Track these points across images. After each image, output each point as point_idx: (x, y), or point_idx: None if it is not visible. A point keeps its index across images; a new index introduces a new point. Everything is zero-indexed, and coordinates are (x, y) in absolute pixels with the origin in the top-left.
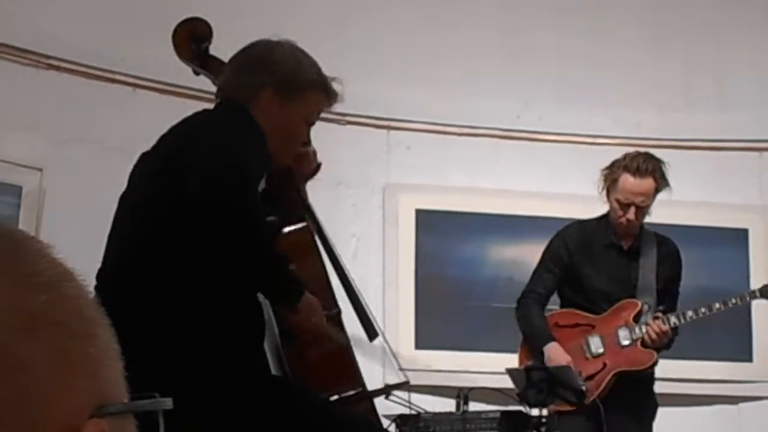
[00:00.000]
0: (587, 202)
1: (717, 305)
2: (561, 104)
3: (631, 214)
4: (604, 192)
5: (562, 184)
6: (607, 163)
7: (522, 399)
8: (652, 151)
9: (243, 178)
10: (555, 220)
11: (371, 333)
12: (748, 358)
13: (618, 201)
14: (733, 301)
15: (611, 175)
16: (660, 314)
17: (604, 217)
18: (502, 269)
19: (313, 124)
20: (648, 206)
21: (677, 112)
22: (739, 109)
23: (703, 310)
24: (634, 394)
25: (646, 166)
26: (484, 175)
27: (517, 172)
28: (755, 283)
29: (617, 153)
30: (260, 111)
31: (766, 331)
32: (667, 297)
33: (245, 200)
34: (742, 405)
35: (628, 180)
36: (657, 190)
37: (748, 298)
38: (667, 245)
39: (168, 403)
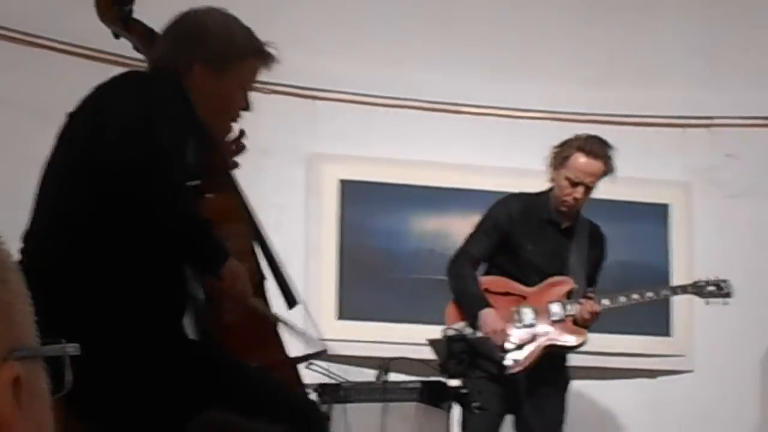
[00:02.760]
0: (511, 176)
1: (649, 294)
2: (487, 77)
3: (579, 192)
4: (551, 168)
5: (486, 157)
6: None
7: (443, 370)
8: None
9: (162, 143)
10: (479, 193)
11: (291, 301)
12: (666, 332)
13: (568, 179)
14: (664, 292)
15: (563, 153)
16: (593, 295)
17: (545, 194)
18: (425, 241)
19: (250, 89)
20: (593, 188)
21: (602, 87)
22: (663, 85)
23: (635, 296)
24: (549, 366)
25: (600, 149)
26: (409, 147)
27: (442, 144)
28: (675, 259)
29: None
30: (194, 84)
31: (684, 305)
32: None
33: (163, 164)
34: (660, 379)
35: (581, 160)
36: (605, 174)
37: (671, 293)
38: (598, 232)
39: (75, 348)
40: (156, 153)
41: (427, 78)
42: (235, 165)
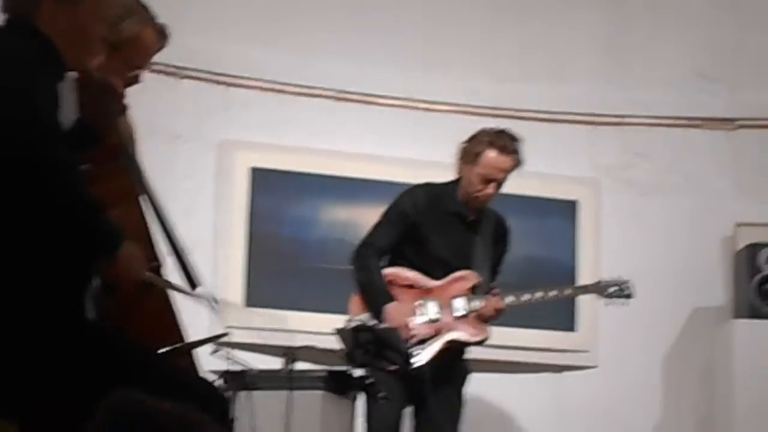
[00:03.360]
0: (421, 167)
1: (553, 293)
2: (399, 69)
3: (491, 188)
4: (461, 163)
5: (397, 148)
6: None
7: (349, 359)
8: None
9: (35, 116)
10: (388, 184)
11: (193, 283)
12: (571, 327)
13: (480, 175)
14: (567, 292)
15: (473, 149)
16: (497, 291)
17: (452, 184)
18: (335, 230)
19: (108, 20)
20: (504, 182)
21: (513, 82)
22: (573, 82)
23: (539, 294)
24: (449, 359)
25: (511, 143)
26: (320, 136)
27: (353, 134)
28: (582, 255)
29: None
30: (46, 22)
31: (589, 301)
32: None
33: (36, 135)
34: (564, 373)
35: (493, 156)
36: (515, 168)
37: (575, 292)
38: (503, 225)
39: None
40: (30, 115)
41: (340, 68)
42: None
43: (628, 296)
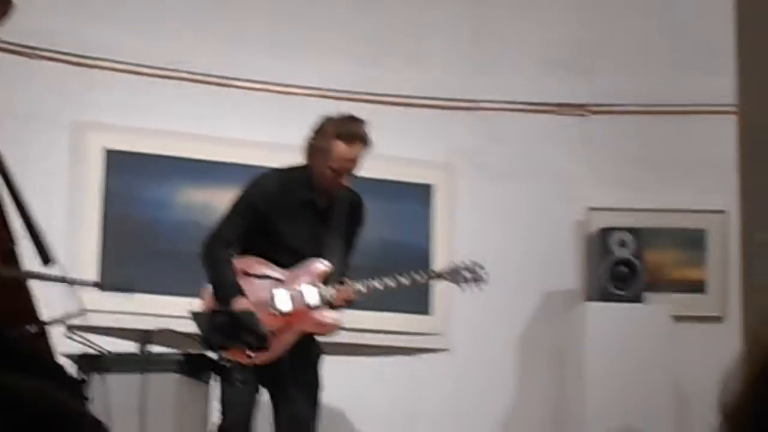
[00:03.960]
0: (278, 150)
1: (405, 281)
2: (257, 52)
3: (344, 179)
4: (310, 158)
5: (255, 132)
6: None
7: (205, 343)
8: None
9: None
10: (246, 167)
11: (45, 258)
12: (425, 311)
13: (332, 168)
14: (420, 279)
15: (321, 143)
16: (348, 280)
17: (304, 170)
18: (190, 213)
19: None
20: (357, 167)
21: (370, 66)
22: (429, 66)
23: (391, 283)
24: (303, 343)
25: (358, 129)
26: (176, 119)
27: (211, 117)
28: (437, 239)
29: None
30: None
31: (444, 285)
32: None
33: None
34: (419, 356)
35: (342, 148)
36: (365, 152)
37: (427, 278)
38: (358, 202)
39: None
40: None
41: (198, 50)
42: None
43: (482, 281)
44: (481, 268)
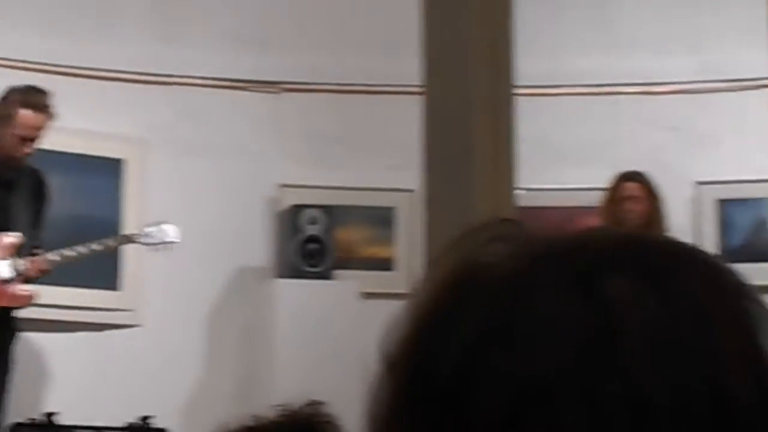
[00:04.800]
0: None
1: (96, 247)
2: None
3: (29, 147)
4: None
5: None
6: None
7: None
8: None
9: None
10: None
11: None
12: (115, 286)
13: (17, 136)
14: (110, 243)
15: (5, 110)
16: (40, 251)
17: None
18: None
19: None
20: (40, 138)
21: (60, 36)
22: (123, 39)
23: (82, 249)
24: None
25: (43, 101)
26: None
27: None
28: (129, 214)
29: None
30: None
31: (134, 259)
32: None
33: None
34: (107, 332)
35: (28, 115)
36: (49, 122)
37: (118, 242)
38: (41, 179)
39: None
40: None
41: None
42: None
43: (172, 241)
44: (170, 227)
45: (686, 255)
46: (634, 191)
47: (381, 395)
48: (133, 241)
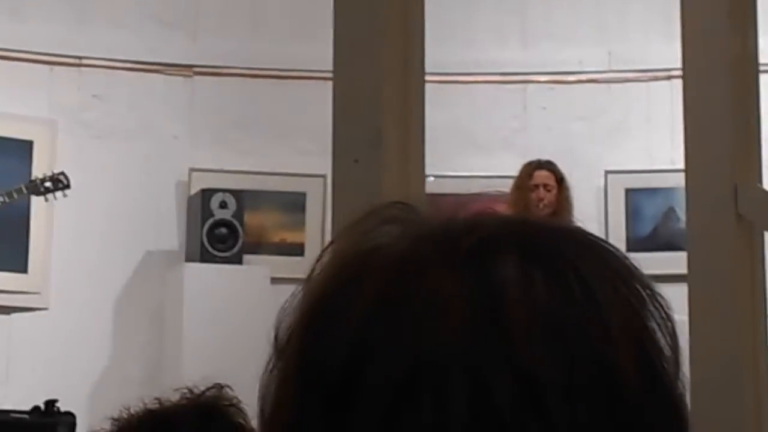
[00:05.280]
0: None
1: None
2: None
3: None
4: None
5: None
6: None
7: None
8: None
9: None
10: None
11: None
12: (22, 269)
13: None
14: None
15: None
16: None
17: None
18: None
19: None
20: None
21: None
22: (32, 20)
23: None
24: None
25: None
26: None
27: None
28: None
29: None
30: None
31: (42, 241)
32: None
33: None
34: (14, 315)
35: None
36: None
37: (16, 195)
38: None
39: None
40: None
41: None
42: None
43: (66, 186)
44: (63, 175)
45: (574, 237)
46: (544, 179)
47: (273, 378)
48: (25, 192)
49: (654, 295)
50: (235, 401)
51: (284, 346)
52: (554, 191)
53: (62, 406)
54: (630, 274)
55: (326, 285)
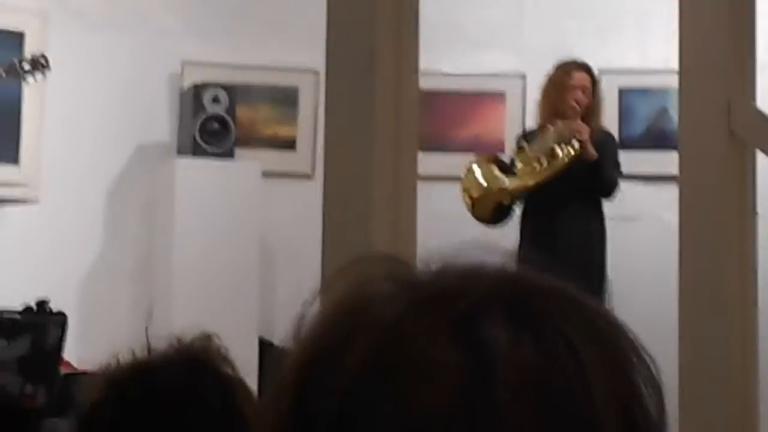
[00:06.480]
0: None
1: None
2: None
3: None
4: None
5: None
6: None
7: None
8: None
9: None
10: None
11: None
12: (14, 160)
13: None
14: None
15: None
16: None
17: None
18: None
19: None
20: None
21: None
22: None
23: None
24: None
25: None
26: None
27: None
28: (27, 86)
29: None
30: None
31: (34, 134)
32: None
33: None
34: (7, 208)
35: None
36: None
37: None
38: None
39: None
40: None
41: None
42: None
43: (45, 68)
44: (43, 57)
45: (564, 298)
46: (583, 81)
47: (267, 417)
48: (5, 74)
49: (641, 357)
50: (223, 351)
51: (280, 391)
52: (588, 93)
53: (52, 301)
54: (618, 335)
55: (319, 341)
